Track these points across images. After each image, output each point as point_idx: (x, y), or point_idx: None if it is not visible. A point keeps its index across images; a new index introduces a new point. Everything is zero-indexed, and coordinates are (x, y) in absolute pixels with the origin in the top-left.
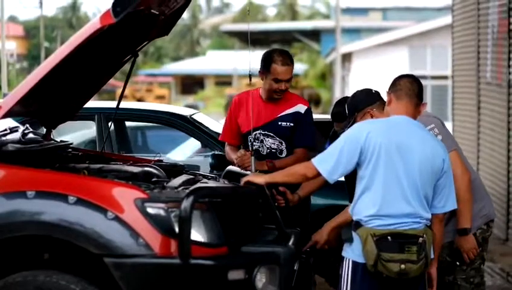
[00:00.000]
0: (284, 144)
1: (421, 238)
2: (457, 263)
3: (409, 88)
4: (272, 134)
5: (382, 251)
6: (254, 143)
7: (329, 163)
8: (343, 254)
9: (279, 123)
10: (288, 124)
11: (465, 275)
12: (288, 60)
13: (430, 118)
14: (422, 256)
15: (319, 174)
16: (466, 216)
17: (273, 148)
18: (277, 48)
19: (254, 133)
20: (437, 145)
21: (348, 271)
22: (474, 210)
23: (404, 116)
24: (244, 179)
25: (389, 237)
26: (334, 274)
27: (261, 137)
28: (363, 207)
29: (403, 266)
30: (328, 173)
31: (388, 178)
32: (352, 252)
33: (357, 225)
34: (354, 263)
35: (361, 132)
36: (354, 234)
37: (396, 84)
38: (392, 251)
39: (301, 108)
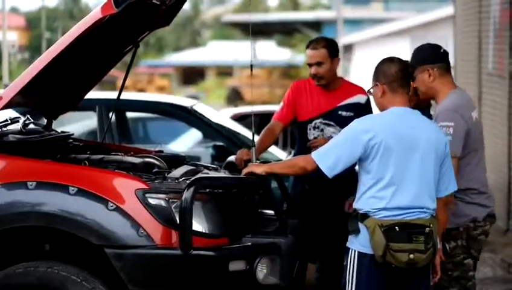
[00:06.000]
0: None
1: (427, 228)
2: None
3: (402, 77)
4: (332, 123)
5: (390, 241)
6: (313, 132)
7: (329, 159)
8: (349, 245)
9: (339, 112)
10: (348, 113)
11: (443, 267)
12: (318, 45)
13: (452, 114)
14: (429, 245)
15: (318, 169)
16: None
17: (329, 136)
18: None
19: (314, 122)
20: (438, 130)
21: (354, 262)
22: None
23: (403, 108)
24: (244, 170)
25: (396, 227)
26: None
27: (322, 126)
28: (372, 201)
29: (411, 255)
30: (328, 168)
31: (397, 173)
32: (359, 243)
33: (364, 216)
34: (360, 254)
35: (363, 128)
36: (360, 225)
37: (388, 74)
38: (401, 241)
39: (362, 98)
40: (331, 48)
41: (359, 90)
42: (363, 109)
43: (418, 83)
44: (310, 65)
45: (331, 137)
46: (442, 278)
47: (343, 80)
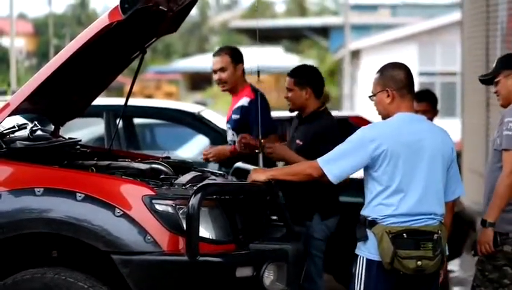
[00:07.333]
0: (235, 135)
1: (436, 235)
2: (472, 252)
3: (410, 83)
4: (229, 126)
5: (398, 248)
6: (228, 135)
7: (336, 166)
8: (357, 252)
9: (232, 116)
10: (236, 116)
11: (481, 267)
12: (221, 52)
13: None
14: (438, 252)
15: (324, 175)
16: (492, 209)
17: (230, 139)
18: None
19: (227, 126)
20: (445, 135)
21: (362, 269)
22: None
23: (409, 114)
24: (248, 178)
25: (404, 234)
26: (342, 271)
27: (227, 130)
28: (379, 208)
29: (419, 262)
30: (334, 176)
31: (404, 180)
32: (367, 250)
33: (372, 223)
34: (369, 261)
35: (369, 137)
36: (368, 232)
37: (398, 80)
38: (408, 247)
39: (245, 101)
40: (234, 55)
41: (246, 93)
42: (246, 111)
43: (501, 87)
44: (215, 72)
45: (230, 140)
46: (477, 277)
47: (249, 85)
